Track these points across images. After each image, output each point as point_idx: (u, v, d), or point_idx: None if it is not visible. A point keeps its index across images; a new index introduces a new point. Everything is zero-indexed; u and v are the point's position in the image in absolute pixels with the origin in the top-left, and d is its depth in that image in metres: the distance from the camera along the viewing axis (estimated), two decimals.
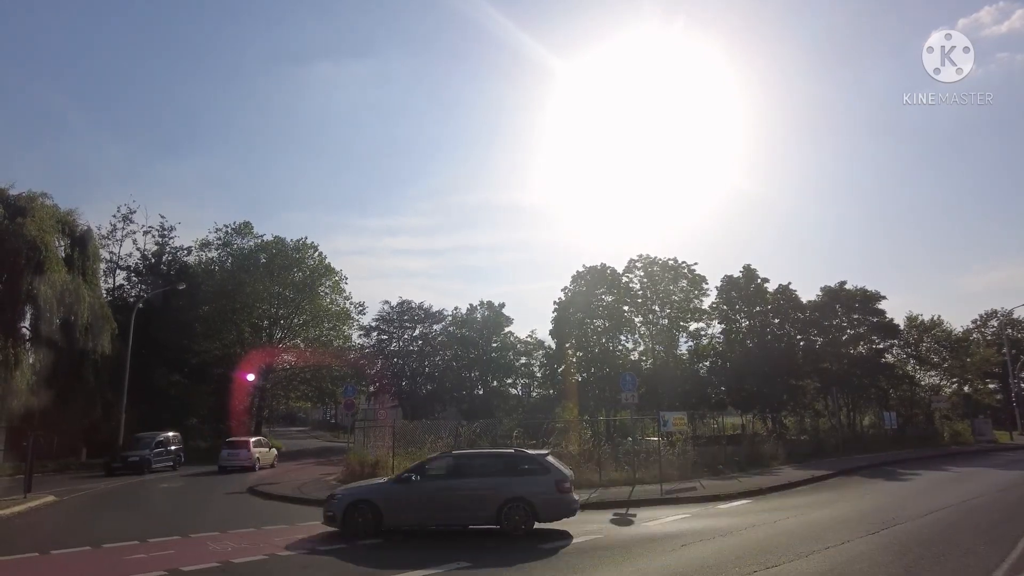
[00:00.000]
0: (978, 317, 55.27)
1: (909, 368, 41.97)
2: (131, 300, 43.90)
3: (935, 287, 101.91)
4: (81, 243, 33.64)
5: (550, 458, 11.74)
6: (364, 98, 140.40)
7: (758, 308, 43.18)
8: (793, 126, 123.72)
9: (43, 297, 28.45)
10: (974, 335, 52.01)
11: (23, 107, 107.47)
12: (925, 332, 42.66)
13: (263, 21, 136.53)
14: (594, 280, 49.01)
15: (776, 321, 42.69)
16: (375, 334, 58.92)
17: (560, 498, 10.81)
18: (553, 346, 50.79)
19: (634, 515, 12.82)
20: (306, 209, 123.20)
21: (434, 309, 59.50)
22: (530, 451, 12.50)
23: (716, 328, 44.62)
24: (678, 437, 20.64)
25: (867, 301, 40.84)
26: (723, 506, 13.81)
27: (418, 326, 59.72)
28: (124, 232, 43.34)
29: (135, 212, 43.70)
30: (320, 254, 54.10)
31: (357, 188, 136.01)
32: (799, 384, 41.00)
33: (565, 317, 48.96)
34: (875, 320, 40.49)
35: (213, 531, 11.50)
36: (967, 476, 19.74)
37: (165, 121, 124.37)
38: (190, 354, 44.03)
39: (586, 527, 11.23)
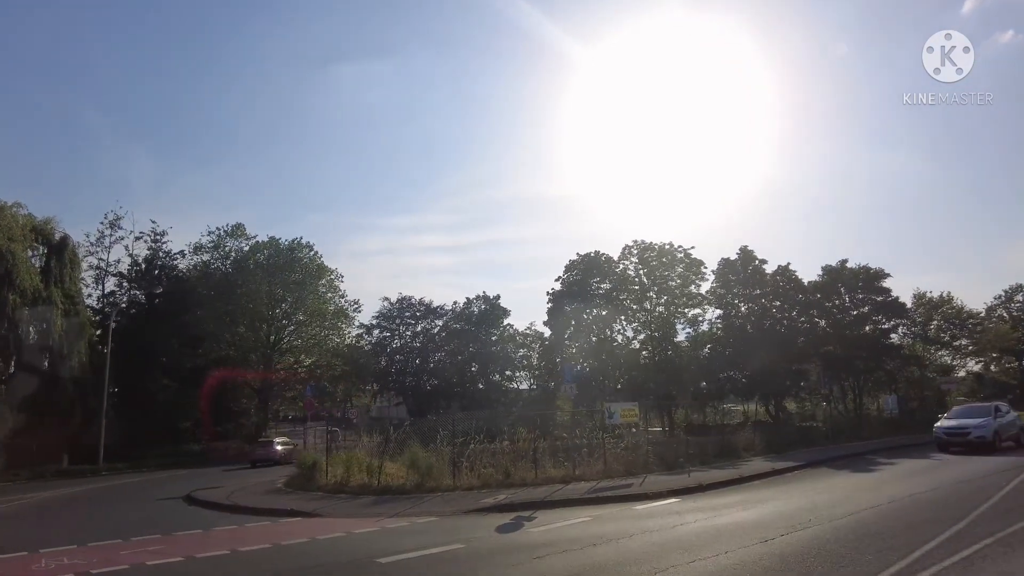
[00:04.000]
0: (1002, 293, 52.25)
1: (918, 348, 39.66)
2: (122, 306, 44.27)
3: (976, 266, 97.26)
4: (58, 251, 33.79)
5: None
6: (387, 98, 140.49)
7: (757, 291, 41.38)
8: (822, 109, 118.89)
9: (11, 306, 28.48)
10: (998, 312, 49.16)
11: (53, 122, 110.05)
12: (934, 310, 40.27)
13: (285, 27, 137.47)
14: (588, 268, 47.75)
15: (777, 304, 40.83)
16: (377, 332, 58.80)
17: None
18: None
19: (534, 518, 11.78)
20: (331, 210, 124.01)
21: (435, 304, 58.93)
22: None
23: (713, 314, 43.02)
24: (636, 428, 19.45)
25: (871, 279, 38.72)
26: (641, 506, 12.66)
27: (421, 322, 59.28)
28: (112, 239, 43.52)
29: (122, 218, 43.81)
30: (315, 253, 53.99)
31: (382, 187, 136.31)
32: (801, 369, 39.18)
33: (560, 307, 47.86)
34: (879, 299, 38.37)
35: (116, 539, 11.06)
36: (945, 465, 18.19)
37: (193, 131, 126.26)
38: (185, 358, 44.13)
39: (460, 535, 10.26)
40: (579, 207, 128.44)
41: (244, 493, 17.92)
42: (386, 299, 58.36)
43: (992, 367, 46.09)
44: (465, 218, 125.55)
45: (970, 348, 40.34)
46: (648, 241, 46.59)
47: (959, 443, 21.52)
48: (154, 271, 46.16)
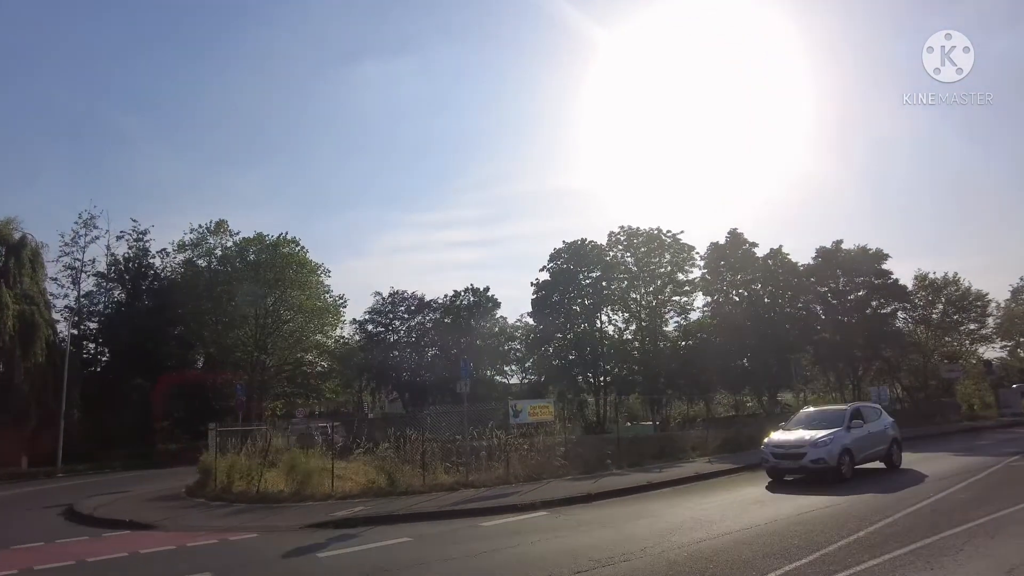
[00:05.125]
0: None
1: (920, 334, 36.60)
2: (100, 307, 44.14)
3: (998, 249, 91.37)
4: (16, 252, 33.42)
5: None
6: (413, 93, 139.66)
7: (747, 276, 38.89)
8: (865, 93, 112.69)
9: None
10: None
11: (86, 127, 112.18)
12: (937, 293, 37.05)
13: (309, 26, 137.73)
14: (573, 257, 45.76)
15: (768, 289, 38.28)
16: (370, 327, 57.90)
17: None
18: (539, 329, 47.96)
19: (354, 537, 10.24)
20: (360, 208, 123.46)
21: (428, 298, 57.69)
22: None
23: (701, 301, 40.64)
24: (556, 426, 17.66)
25: (868, 261, 35.83)
26: (490, 523, 10.97)
27: (416, 316, 58.17)
28: (88, 238, 43.21)
29: (96, 217, 43.39)
30: (301, 248, 53.12)
31: (408, 183, 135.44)
32: (793, 358, 36.53)
33: (545, 298, 46.04)
34: (878, 282, 35.48)
35: None
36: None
37: (223, 133, 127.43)
38: (165, 357, 43.75)
39: (249, 556, 8.94)
40: (605, 197, 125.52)
41: (127, 501, 16.79)
42: (377, 293, 57.24)
43: (1021, 352, 42.67)
44: (492, 212, 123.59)
45: (982, 333, 36.93)
46: (635, 226, 44.45)
47: (791, 469, 14.55)
48: (136, 270, 45.89)
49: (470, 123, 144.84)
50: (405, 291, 57.50)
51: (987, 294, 35.27)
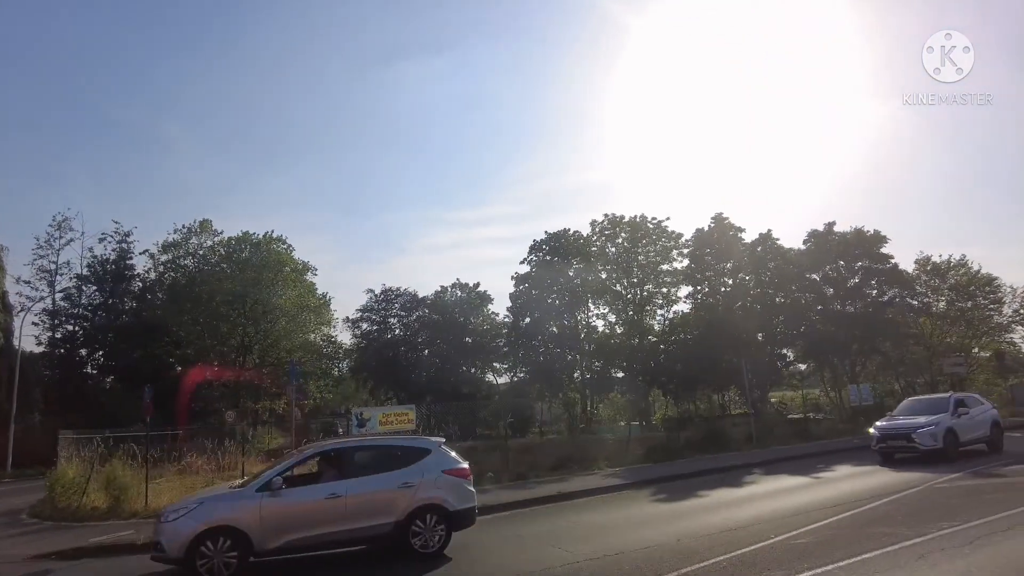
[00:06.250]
0: None
1: (925, 324, 32.67)
2: (78, 309, 44.03)
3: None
4: None
5: None
6: (449, 91, 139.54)
7: (731, 264, 35.78)
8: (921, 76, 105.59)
9: None
10: None
11: (123, 130, 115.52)
12: (943, 277, 32.93)
13: (346, 27, 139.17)
14: (554, 249, 43.33)
15: (757, 277, 35.05)
16: (365, 325, 56.80)
17: None
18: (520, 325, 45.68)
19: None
20: (401, 208, 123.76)
21: (421, 295, 56.20)
22: None
23: (684, 291, 37.67)
24: None
25: (864, 245, 32.22)
26: None
27: (414, 312, 56.74)
28: (63, 241, 43.18)
29: (70, 219, 43.31)
30: (288, 247, 52.25)
31: (446, 182, 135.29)
32: (780, 353, 33.38)
33: (524, 292, 43.81)
34: (875, 267, 31.83)
35: None
36: (825, 484, 13.39)
37: (262, 135, 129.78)
38: (144, 359, 43.40)
39: None
40: (636, 189, 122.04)
41: None
42: (370, 291, 56.08)
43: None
44: (529, 208, 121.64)
45: (998, 321, 32.55)
46: (619, 215, 41.82)
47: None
48: (116, 271, 45.72)
49: (505, 119, 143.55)
50: (398, 288, 56.33)
51: (997, 278, 31.19)
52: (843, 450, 19.57)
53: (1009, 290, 31.12)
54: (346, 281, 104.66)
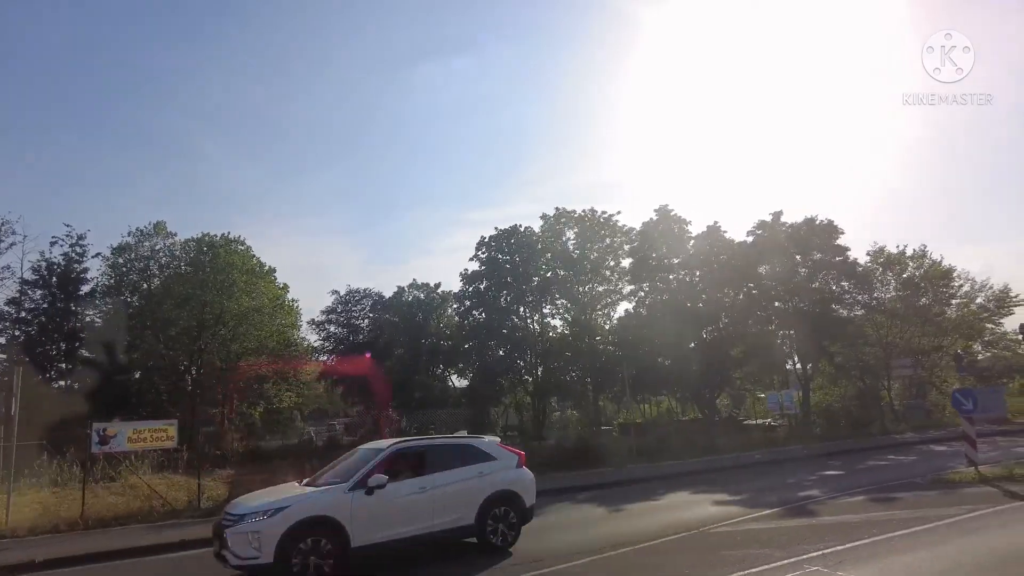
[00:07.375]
0: None
1: (881, 321, 29.62)
2: (23, 314, 43.35)
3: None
4: None
5: None
6: (472, 92, 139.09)
7: (679, 260, 33.25)
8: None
9: None
10: None
11: (151, 134, 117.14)
12: (893, 269, 29.76)
13: (367, 29, 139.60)
14: (504, 246, 41.17)
15: (700, 274, 32.48)
16: (332, 327, 55.48)
17: None
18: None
19: None
20: (424, 207, 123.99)
21: (388, 296, 54.71)
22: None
23: (626, 289, 35.23)
24: None
25: (814, 235, 29.38)
26: None
27: (385, 315, 55.25)
28: (6, 244, 42.41)
29: (10, 223, 42.55)
30: (247, 248, 51.10)
31: (469, 182, 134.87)
32: (728, 354, 30.68)
33: (473, 292, 41.78)
34: (827, 259, 28.93)
35: None
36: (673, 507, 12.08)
37: (288, 139, 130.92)
38: (86, 368, 42.49)
39: None
40: (655, 188, 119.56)
41: None
42: (335, 292, 54.76)
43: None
44: (548, 206, 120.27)
45: (949, 318, 29.16)
46: (569, 209, 39.55)
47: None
48: (64, 275, 44.95)
49: (526, 119, 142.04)
50: (362, 289, 54.95)
51: (955, 270, 27.88)
52: (753, 465, 17.15)
53: (966, 283, 27.91)
54: (366, 283, 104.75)
